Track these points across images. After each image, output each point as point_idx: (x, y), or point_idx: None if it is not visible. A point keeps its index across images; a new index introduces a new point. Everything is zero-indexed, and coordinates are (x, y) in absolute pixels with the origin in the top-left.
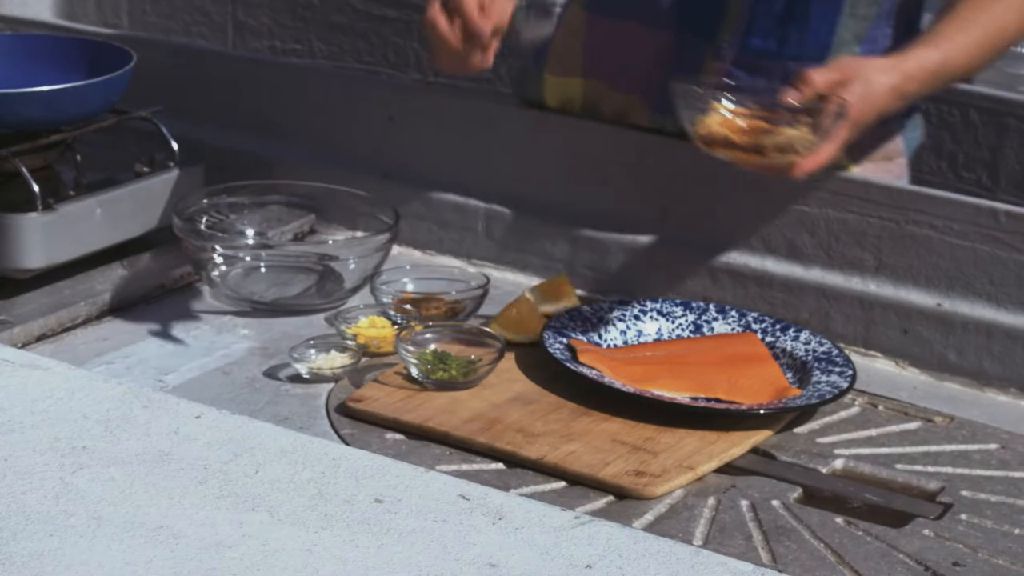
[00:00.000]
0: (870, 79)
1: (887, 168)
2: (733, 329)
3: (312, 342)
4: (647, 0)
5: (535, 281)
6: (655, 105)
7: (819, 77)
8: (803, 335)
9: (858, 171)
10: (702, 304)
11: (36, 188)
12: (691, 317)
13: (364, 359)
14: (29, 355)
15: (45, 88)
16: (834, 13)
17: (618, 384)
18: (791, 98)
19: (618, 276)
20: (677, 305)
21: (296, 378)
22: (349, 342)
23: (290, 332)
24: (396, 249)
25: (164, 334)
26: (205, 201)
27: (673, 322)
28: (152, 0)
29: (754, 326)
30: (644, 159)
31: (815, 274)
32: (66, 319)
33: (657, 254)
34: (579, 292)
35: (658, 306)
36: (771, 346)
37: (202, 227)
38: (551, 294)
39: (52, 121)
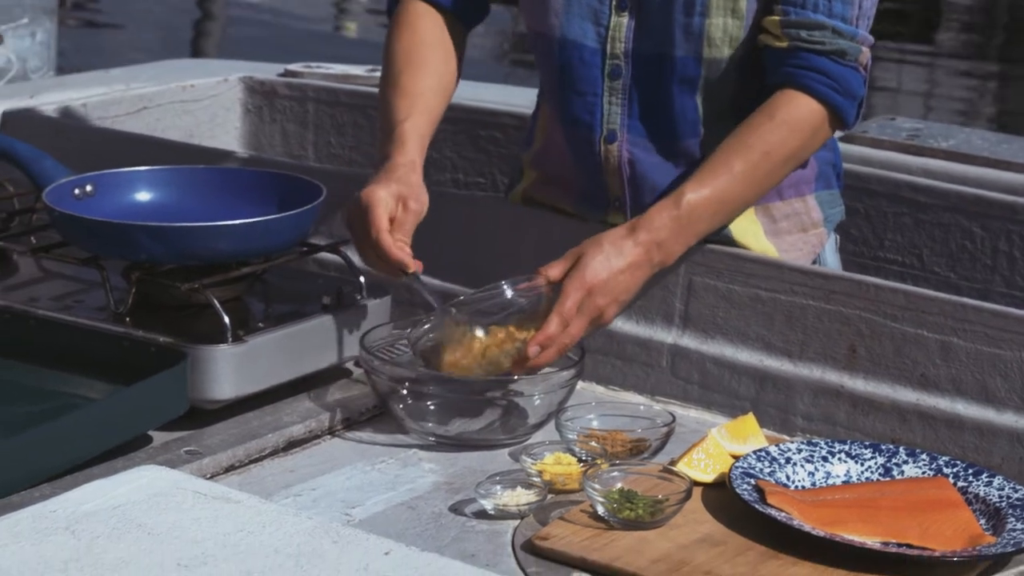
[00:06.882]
0: (604, 251)
1: (805, 240)
2: (924, 473)
3: (498, 478)
4: (556, 94)
5: (720, 420)
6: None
7: (552, 270)
8: (996, 480)
9: (777, 246)
10: (891, 447)
11: (227, 320)
12: (880, 460)
13: (550, 496)
14: (220, 487)
15: (238, 222)
16: (692, 94)
17: (807, 527)
18: (519, 287)
19: (805, 415)
20: (866, 447)
21: (482, 514)
22: (535, 478)
23: (474, 467)
24: (580, 384)
25: (350, 467)
26: (391, 334)
27: (862, 464)
28: (337, 132)
29: (946, 470)
30: (832, 297)
31: (1008, 418)
32: (254, 450)
33: (845, 393)
34: (766, 431)
35: (847, 448)
36: (963, 491)
37: (388, 360)
38: (738, 433)
39: (243, 254)
